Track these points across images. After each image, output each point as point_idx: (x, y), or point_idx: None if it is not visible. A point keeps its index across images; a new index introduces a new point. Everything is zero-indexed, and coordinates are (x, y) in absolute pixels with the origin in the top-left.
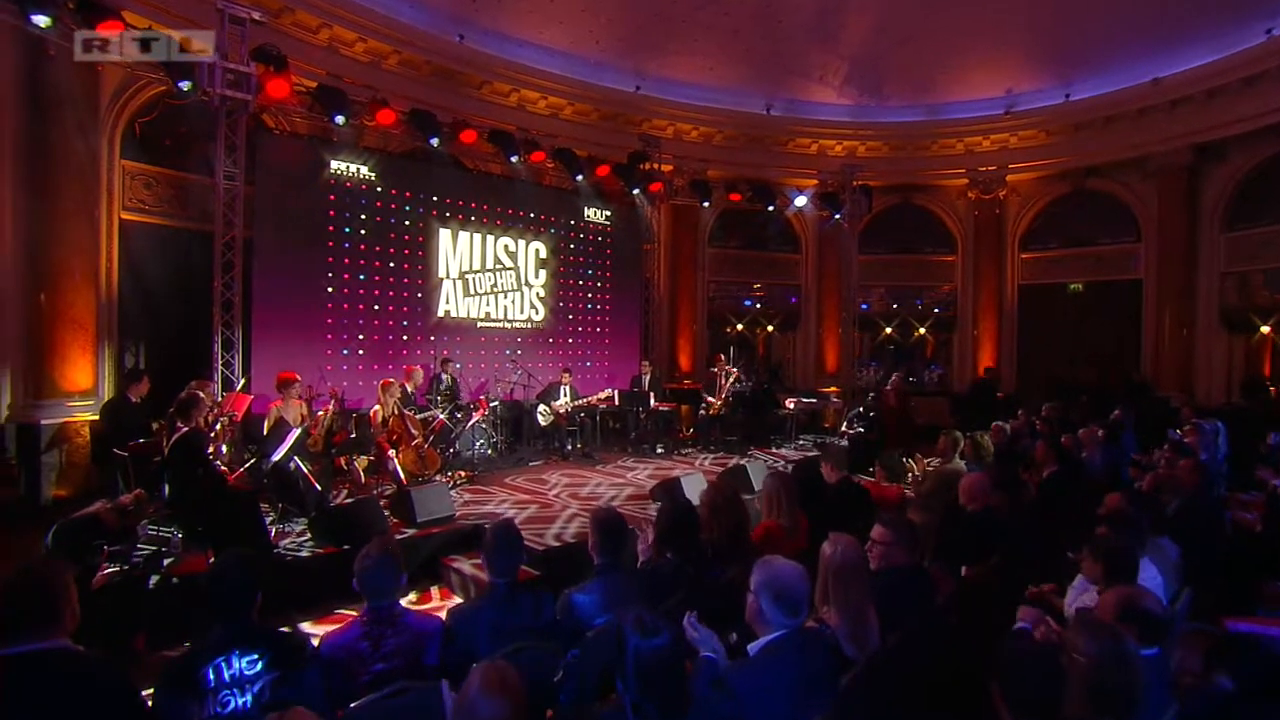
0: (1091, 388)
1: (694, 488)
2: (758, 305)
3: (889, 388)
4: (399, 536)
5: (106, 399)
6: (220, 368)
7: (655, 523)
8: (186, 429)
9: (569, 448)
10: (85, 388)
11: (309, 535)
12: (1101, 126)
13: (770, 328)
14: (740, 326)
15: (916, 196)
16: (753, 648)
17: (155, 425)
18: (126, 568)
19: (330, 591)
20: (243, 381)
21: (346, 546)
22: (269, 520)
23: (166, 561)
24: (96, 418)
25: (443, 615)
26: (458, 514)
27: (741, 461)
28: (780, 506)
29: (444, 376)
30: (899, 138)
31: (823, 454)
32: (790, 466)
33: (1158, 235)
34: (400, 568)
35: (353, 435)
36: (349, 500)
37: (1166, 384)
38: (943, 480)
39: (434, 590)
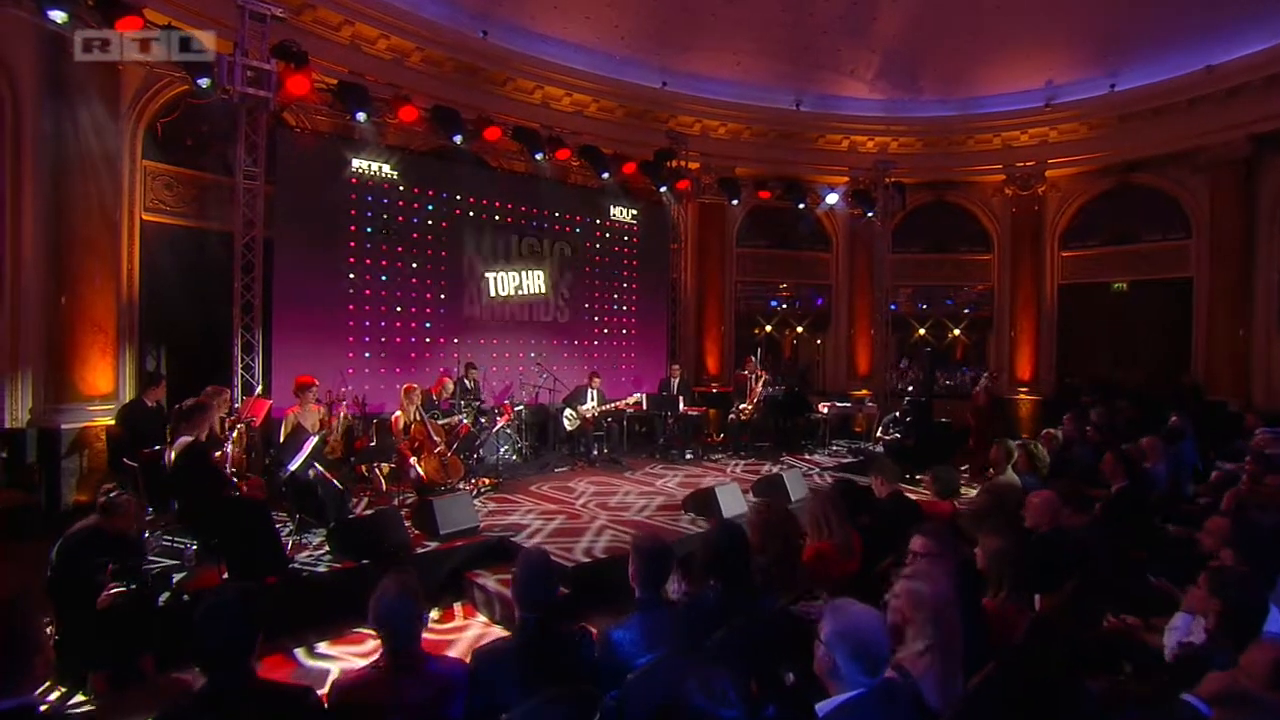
0: (1138, 391)
1: (729, 499)
2: (783, 306)
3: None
4: (420, 550)
5: (125, 403)
6: (240, 371)
7: (699, 549)
8: (189, 439)
9: (595, 453)
10: (105, 391)
11: (327, 548)
12: (1149, 118)
13: (800, 329)
14: (769, 328)
15: (950, 193)
16: (824, 708)
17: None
18: (134, 586)
19: (348, 609)
20: (261, 386)
21: (365, 561)
22: (285, 532)
23: (178, 577)
24: (109, 422)
25: (468, 654)
26: (482, 525)
27: (776, 470)
28: (830, 526)
29: (467, 381)
30: (933, 133)
31: (872, 466)
32: (826, 474)
33: (1210, 231)
34: (421, 605)
35: (373, 443)
36: (369, 511)
37: (1219, 388)
38: (996, 494)
39: (457, 607)
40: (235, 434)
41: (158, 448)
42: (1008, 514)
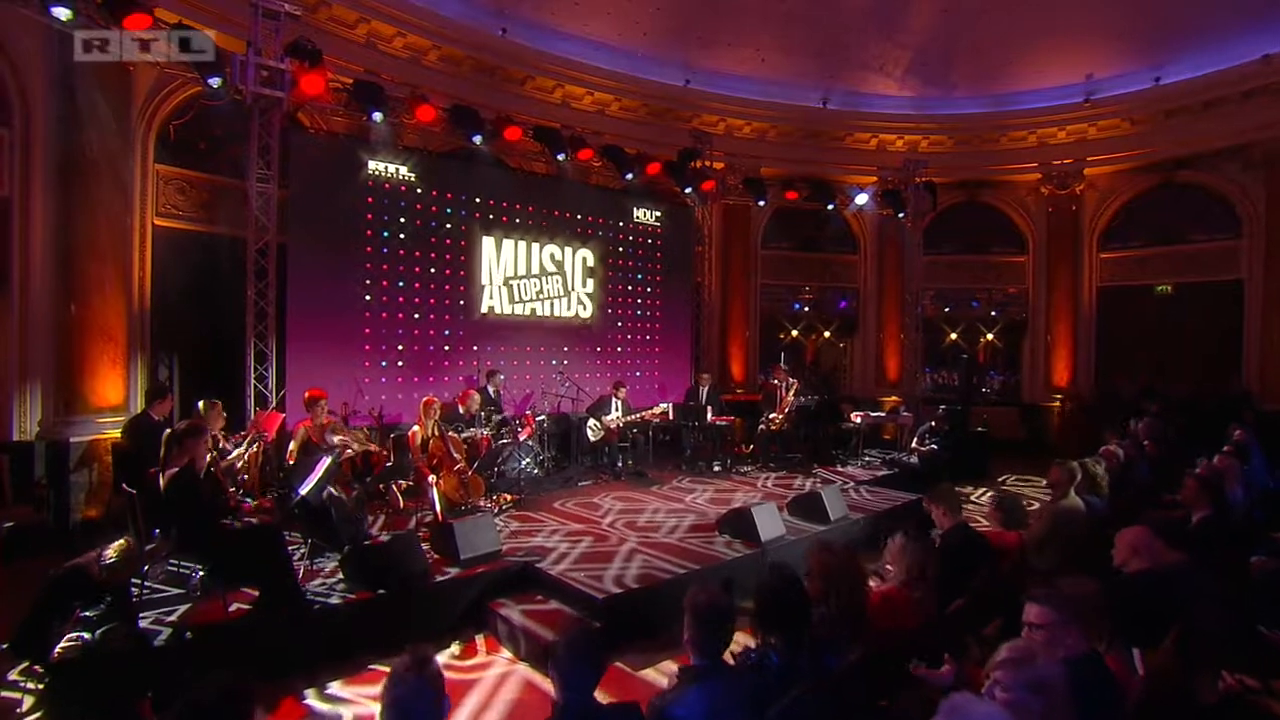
0: (1185, 400)
1: (767, 520)
2: (805, 308)
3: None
4: (440, 578)
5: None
6: (253, 381)
7: (754, 605)
8: (179, 466)
9: (620, 466)
10: (115, 403)
11: (341, 575)
12: (1198, 112)
13: (826, 333)
14: (795, 332)
15: (983, 193)
16: None
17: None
18: (88, 637)
19: (363, 644)
20: (275, 397)
21: (382, 591)
22: (296, 556)
23: (182, 609)
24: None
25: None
26: (505, 548)
27: (809, 483)
28: (917, 577)
29: (490, 389)
30: (964, 130)
31: (933, 497)
32: (862, 489)
33: (1265, 231)
34: (443, 694)
35: (389, 463)
36: (385, 536)
37: (1275, 396)
38: (1058, 520)
39: (479, 640)
40: (247, 450)
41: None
42: (1077, 546)
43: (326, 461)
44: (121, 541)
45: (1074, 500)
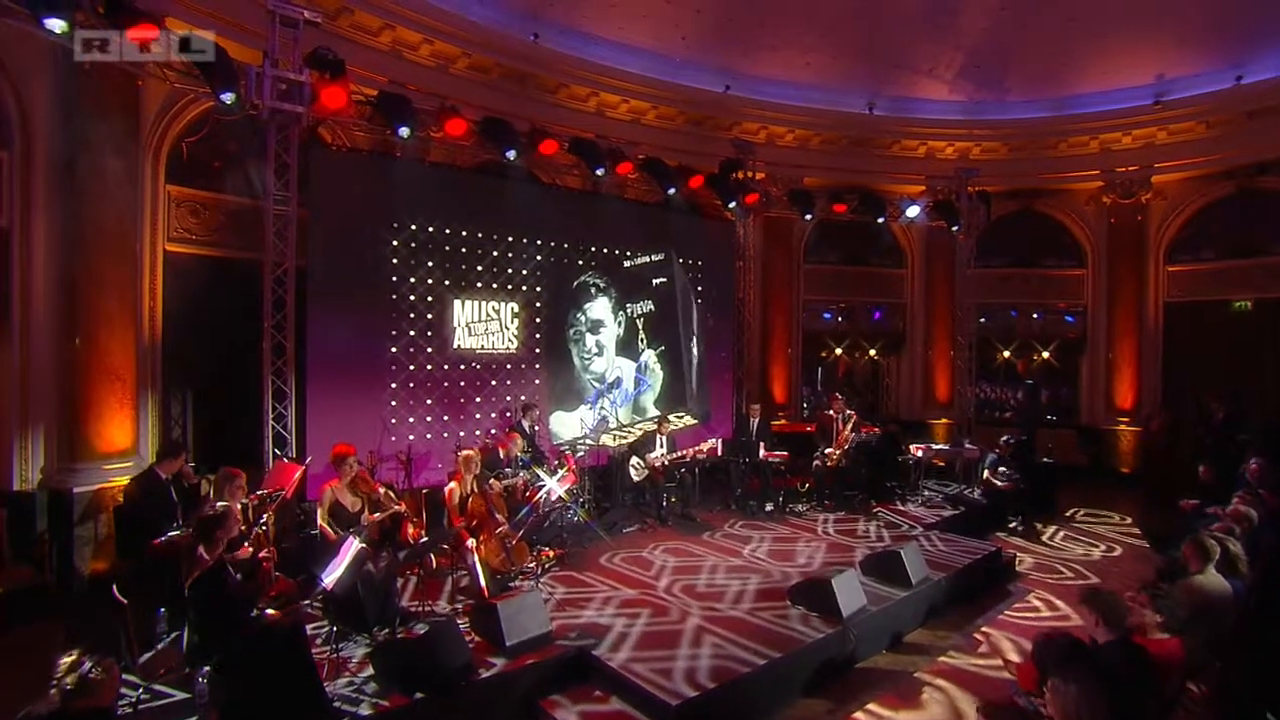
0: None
1: (847, 592)
2: (839, 320)
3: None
4: (484, 671)
5: (138, 472)
6: (271, 422)
7: None
8: (205, 567)
9: (664, 507)
10: (124, 447)
11: (370, 667)
12: None
13: (872, 351)
14: (839, 350)
15: (1038, 203)
16: None
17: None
18: None
19: None
20: (295, 438)
21: (419, 695)
22: (319, 640)
23: None
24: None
25: None
26: (554, 626)
27: (878, 529)
28: None
29: (524, 424)
30: (1020, 136)
31: (1091, 603)
32: (933, 536)
33: None
34: None
35: (424, 539)
36: (422, 629)
37: None
38: (1202, 602)
39: None
40: (261, 527)
41: (171, 534)
42: (1209, 627)
43: (355, 545)
44: (107, 662)
45: (1211, 578)
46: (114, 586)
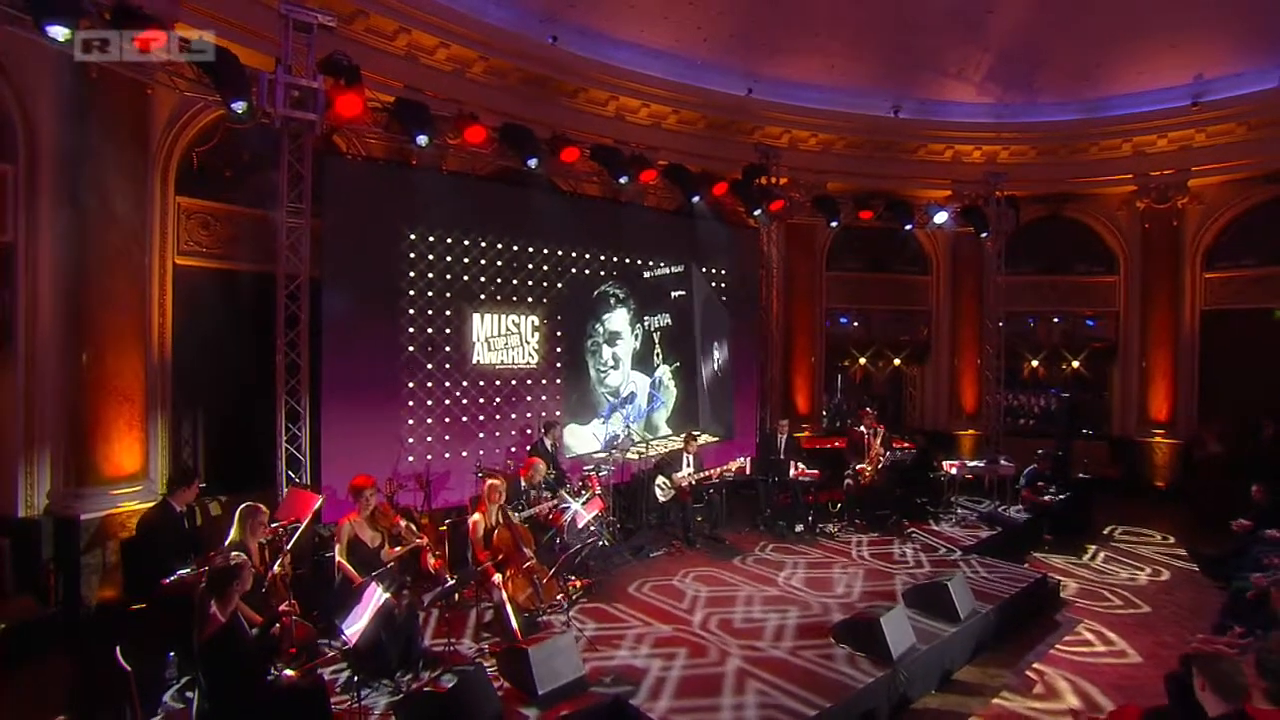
0: None
1: (897, 631)
2: (854, 324)
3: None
4: None
5: (147, 498)
6: (284, 444)
7: None
8: (218, 625)
9: (693, 525)
10: (133, 471)
11: (392, 717)
12: None
13: (896, 360)
14: (863, 360)
15: (1068, 208)
16: None
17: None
18: None
19: None
20: (309, 465)
21: None
22: (338, 685)
23: None
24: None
25: None
26: (588, 669)
27: (916, 554)
28: None
29: (545, 442)
30: (1050, 140)
31: (1205, 672)
32: (972, 560)
33: None
34: None
35: (449, 582)
36: (449, 680)
37: None
38: None
39: None
40: (280, 566)
41: (181, 573)
42: None
43: (378, 594)
44: None
45: None
46: (117, 649)
